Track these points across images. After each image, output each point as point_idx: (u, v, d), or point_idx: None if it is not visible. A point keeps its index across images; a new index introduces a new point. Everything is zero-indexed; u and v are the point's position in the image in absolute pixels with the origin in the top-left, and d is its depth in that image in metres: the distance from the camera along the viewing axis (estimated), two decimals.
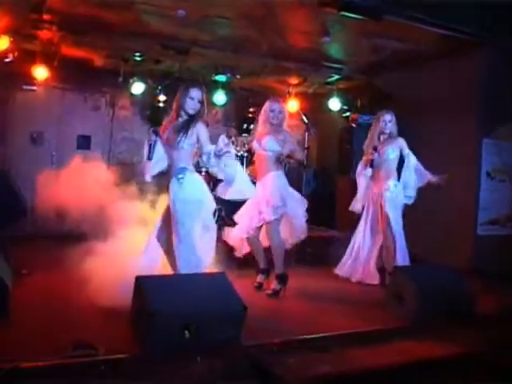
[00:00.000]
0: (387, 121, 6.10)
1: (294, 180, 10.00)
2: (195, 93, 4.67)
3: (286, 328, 4.22)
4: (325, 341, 4.07)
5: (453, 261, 6.02)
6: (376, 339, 4.18)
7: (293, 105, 9.34)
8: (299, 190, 9.79)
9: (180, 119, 4.72)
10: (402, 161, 6.11)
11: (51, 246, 5.93)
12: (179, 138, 4.60)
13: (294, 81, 8.86)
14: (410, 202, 6.09)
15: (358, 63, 7.86)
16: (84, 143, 8.76)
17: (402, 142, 6.08)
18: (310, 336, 4.11)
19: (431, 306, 4.58)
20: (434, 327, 4.42)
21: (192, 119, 4.64)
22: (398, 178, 6.07)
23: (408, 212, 5.93)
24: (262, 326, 4.14)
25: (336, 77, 8.47)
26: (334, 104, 9.00)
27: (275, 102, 5.64)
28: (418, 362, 3.84)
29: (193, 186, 4.64)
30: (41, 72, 7.32)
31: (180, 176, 4.59)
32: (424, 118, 7.52)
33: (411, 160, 6.03)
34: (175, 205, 4.56)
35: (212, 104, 8.87)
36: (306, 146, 9.61)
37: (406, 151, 6.05)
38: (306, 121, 9.52)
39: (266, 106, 5.62)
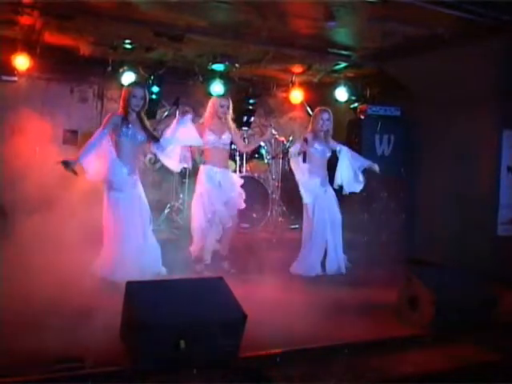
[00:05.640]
0: (325, 119, 6.78)
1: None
2: (138, 92, 5.73)
3: (289, 337, 4.20)
4: (331, 351, 4.07)
5: (471, 263, 6.01)
6: (386, 349, 4.18)
7: (296, 95, 9.33)
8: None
9: (129, 116, 5.72)
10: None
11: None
12: (136, 134, 5.70)
13: (297, 69, 8.85)
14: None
15: (366, 50, 7.82)
16: (70, 138, 8.75)
17: (332, 143, 6.89)
18: (314, 346, 4.10)
19: (448, 313, 4.56)
20: (450, 336, 4.41)
21: (139, 114, 5.78)
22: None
23: (421, 212, 5.90)
24: (262, 335, 4.13)
25: (343, 64, 8.45)
26: (341, 94, 8.98)
27: (224, 99, 6.68)
28: (432, 374, 3.83)
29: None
30: (22, 61, 7.32)
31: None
32: (438, 108, 7.51)
33: (344, 154, 6.86)
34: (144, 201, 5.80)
35: (209, 95, 8.85)
36: None
37: (338, 148, 6.89)
38: (311, 112, 9.50)
39: (215, 101, 6.62)
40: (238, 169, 8.54)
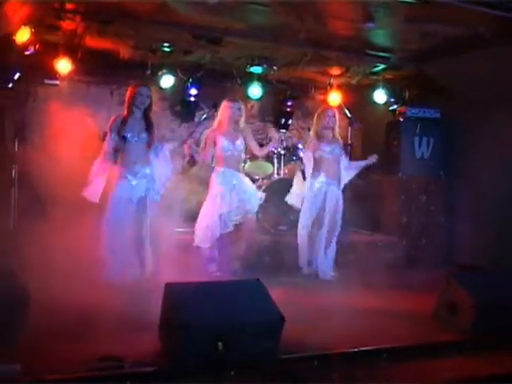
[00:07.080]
0: (331, 115, 6.89)
1: None
2: (143, 90, 5.86)
3: (326, 341, 4.19)
4: (369, 355, 4.04)
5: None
6: (426, 354, 4.13)
7: (334, 97, 9.27)
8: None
9: (133, 115, 5.83)
10: None
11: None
12: (140, 133, 5.79)
13: (335, 71, 8.79)
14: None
15: (405, 51, 7.74)
16: None
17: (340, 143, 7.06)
18: (352, 350, 4.08)
19: (489, 318, 4.48)
20: (491, 341, 4.34)
21: (145, 113, 5.87)
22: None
23: (462, 214, 5.80)
24: (300, 338, 4.13)
25: (382, 66, 8.37)
26: (380, 96, 8.90)
27: (235, 101, 6.62)
28: (472, 379, 3.77)
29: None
30: (64, 65, 7.41)
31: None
32: (480, 108, 7.38)
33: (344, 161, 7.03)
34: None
35: (247, 98, 8.88)
36: (348, 142, 9.56)
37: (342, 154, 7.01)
38: (349, 115, 9.45)
39: (230, 104, 6.56)
40: (275, 171, 8.52)
